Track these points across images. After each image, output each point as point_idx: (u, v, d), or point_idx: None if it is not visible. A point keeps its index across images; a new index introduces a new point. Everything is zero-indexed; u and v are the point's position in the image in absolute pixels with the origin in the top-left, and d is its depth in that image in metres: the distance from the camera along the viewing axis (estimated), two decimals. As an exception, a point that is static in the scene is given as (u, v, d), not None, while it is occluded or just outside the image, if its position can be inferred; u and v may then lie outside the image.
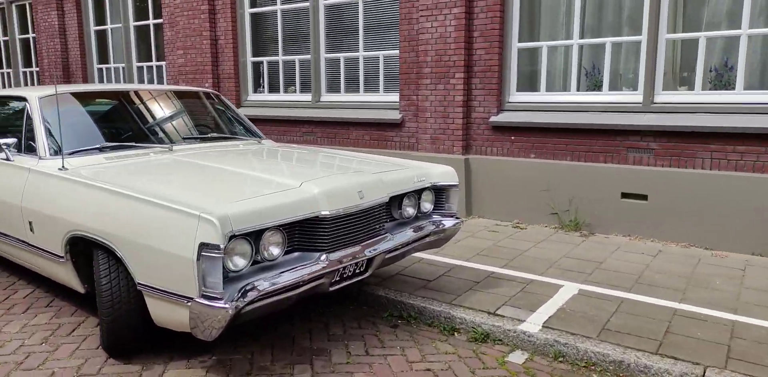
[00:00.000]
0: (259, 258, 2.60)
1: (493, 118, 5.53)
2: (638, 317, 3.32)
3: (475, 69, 5.59)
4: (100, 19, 9.57)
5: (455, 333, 3.35)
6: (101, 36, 9.63)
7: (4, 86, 11.93)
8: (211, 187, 2.82)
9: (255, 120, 7.46)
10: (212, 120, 4.40)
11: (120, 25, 9.15)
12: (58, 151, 3.35)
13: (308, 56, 7.02)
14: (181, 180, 2.98)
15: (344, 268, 2.95)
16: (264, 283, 2.49)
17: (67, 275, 3.17)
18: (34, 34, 10.58)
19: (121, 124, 3.86)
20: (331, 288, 2.94)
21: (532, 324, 3.24)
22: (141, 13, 8.91)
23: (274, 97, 7.52)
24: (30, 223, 3.26)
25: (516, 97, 5.54)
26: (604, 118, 4.96)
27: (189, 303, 2.38)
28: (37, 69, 10.70)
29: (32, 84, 11.09)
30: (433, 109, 5.88)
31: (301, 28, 7.12)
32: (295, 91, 7.34)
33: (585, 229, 5.19)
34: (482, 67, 5.54)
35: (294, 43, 7.25)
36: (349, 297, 3.84)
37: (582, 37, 5.21)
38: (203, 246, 2.31)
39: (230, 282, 2.46)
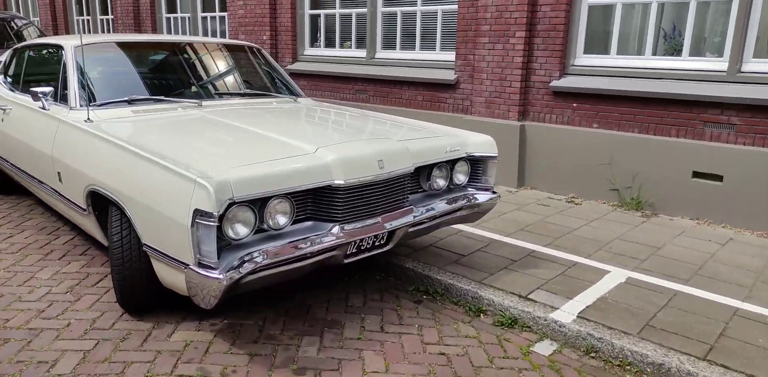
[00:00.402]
0: (265, 226, 2.45)
1: (554, 83, 5.06)
2: (690, 314, 2.96)
3: (538, 28, 5.08)
4: (167, -32, 9.53)
5: (481, 315, 3.13)
6: (168, -15, 9.61)
7: (85, 33, 12.30)
8: (222, 149, 2.67)
9: (309, 75, 7.29)
10: (250, 75, 4.23)
11: (185, -26, 9.08)
12: (88, 102, 3.30)
13: (365, 9, 6.68)
14: (195, 139, 2.84)
15: (361, 240, 2.76)
16: (264, 254, 2.34)
17: (91, 227, 3.17)
18: (107, -17, 10.71)
19: (156, 77, 3.75)
20: (346, 261, 2.78)
21: (567, 312, 2.96)
22: (205, -39, 8.77)
23: (329, 52, 7.27)
24: (59, 174, 3.26)
25: (582, 59, 5.02)
26: (682, 87, 4.40)
27: (185, 270, 2.28)
28: (112, 17, 10.91)
29: (107, 31, 11.36)
30: (490, 70, 5.45)
31: (360, -21, 6.75)
32: (350, 47, 7.06)
33: (647, 209, 4.74)
34: (546, 26, 5.03)
35: (352, -5, 6.91)
36: (376, 267, 3.68)
37: (666, -8, 4.59)
38: (197, 212, 2.18)
39: (232, 250, 2.34)
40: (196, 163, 2.38)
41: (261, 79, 4.25)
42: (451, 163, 3.25)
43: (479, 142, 3.31)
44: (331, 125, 3.30)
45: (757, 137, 4.17)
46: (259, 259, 2.30)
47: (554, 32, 4.99)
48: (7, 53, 4.62)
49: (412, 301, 3.29)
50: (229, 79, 4.03)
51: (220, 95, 3.74)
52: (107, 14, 11.17)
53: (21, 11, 13.74)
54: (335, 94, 7.10)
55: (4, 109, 4.10)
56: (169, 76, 3.82)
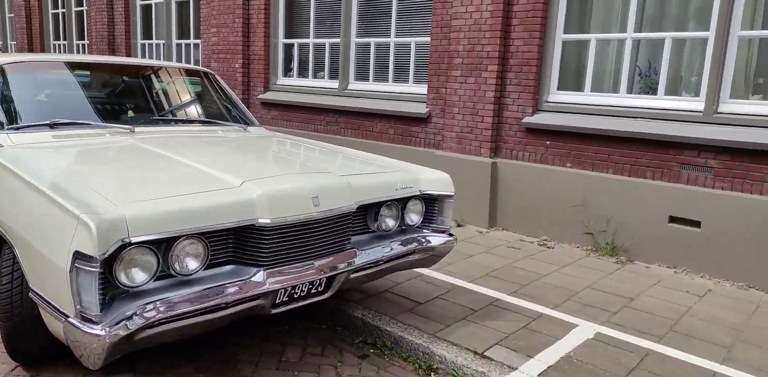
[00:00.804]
0: (172, 271, 2.12)
1: (527, 119, 4.85)
2: (662, 379, 2.64)
3: (511, 62, 4.91)
4: (146, -6, 9.41)
5: (431, 374, 2.78)
6: (146, 11, 9.47)
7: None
8: (134, 181, 2.34)
9: (281, 105, 7.06)
10: (199, 102, 3.96)
11: (162, 0, 8.94)
12: (2, 125, 2.99)
13: (338, 39, 6.51)
14: (108, 169, 2.53)
15: (293, 287, 2.44)
16: (163, 306, 2.00)
17: None
18: (86, 7, 10.57)
19: (89, 100, 3.45)
20: (274, 311, 2.44)
21: (525, 374, 2.63)
22: (183, -11, 8.66)
23: (302, 82, 7.07)
24: None
25: (556, 96, 4.83)
26: (657, 127, 4.20)
27: (63, 322, 1.94)
28: (87, 42, 10.72)
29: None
30: (462, 104, 5.25)
31: (334, 8, 6.61)
32: (323, 77, 6.87)
33: (623, 255, 4.46)
34: (519, 60, 4.85)
35: (326, 25, 6.76)
36: (322, 314, 3.34)
37: (639, 30, 4.44)
38: (77, 255, 1.86)
39: (127, 299, 2.00)
40: (92, 196, 2.07)
41: (210, 105, 3.98)
42: (403, 202, 2.96)
43: (434, 179, 3.04)
44: (271, 156, 3.01)
45: (735, 181, 3.95)
46: (151, 314, 1.96)
47: (527, 67, 4.81)
48: None
49: (357, 356, 2.93)
50: (174, 105, 3.76)
51: (160, 122, 3.45)
52: (83, 39, 11.00)
53: None
54: (307, 125, 6.86)
55: None
56: (105, 99, 3.52)
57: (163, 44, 9.07)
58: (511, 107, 4.98)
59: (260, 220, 2.27)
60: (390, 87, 6.13)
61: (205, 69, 4.21)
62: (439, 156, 5.42)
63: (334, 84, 6.63)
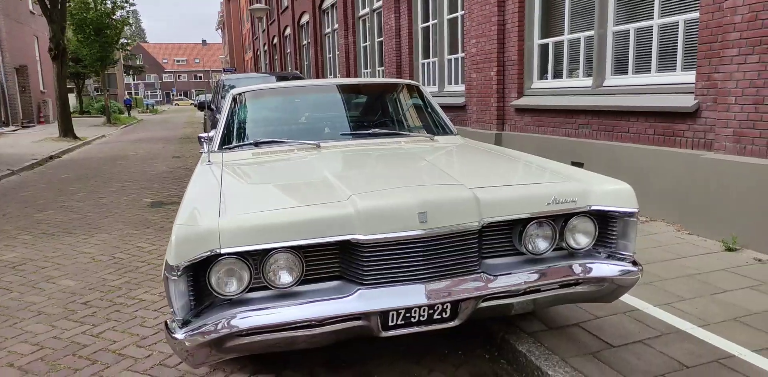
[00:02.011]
0: (267, 283, 2.12)
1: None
2: None
3: (805, 24, 3.52)
4: (425, 17, 10.04)
5: (590, 443, 2.13)
6: (425, 33, 10.11)
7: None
8: (261, 193, 2.47)
9: (534, 111, 6.63)
10: (394, 114, 3.94)
11: (436, 20, 9.41)
12: (221, 145, 3.48)
13: (593, 32, 5.75)
14: (254, 182, 2.71)
15: (406, 311, 2.17)
16: (242, 320, 1.99)
17: None
18: (383, 38, 11.90)
19: (294, 120, 3.79)
20: (385, 333, 2.20)
21: None
22: (452, 6, 8.94)
23: (556, 83, 6.48)
24: None
25: None
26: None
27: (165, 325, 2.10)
28: (382, 68, 12.04)
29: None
30: (740, 91, 4.00)
31: (589, -2, 5.87)
32: (578, 76, 6.16)
33: None
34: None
35: (581, 17, 6.05)
36: (490, 343, 2.91)
37: None
38: (166, 263, 1.98)
39: (222, 308, 2.06)
40: (209, 208, 2.20)
41: (405, 117, 3.92)
42: (564, 219, 2.36)
43: (608, 191, 2.34)
44: (421, 168, 2.74)
45: None
46: (231, 324, 1.97)
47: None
48: None
49: (504, 399, 2.45)
50: (366, 120, 3.80)
51: (351, 136, 3.53)
52: (382, 66, 12.37)
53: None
54: (557, 129, 6.25)
55: None
56: (302, 118, 3.82)
57: (435, 61, 9.52)
58: (809, 88, 3.57)
59: (356, 236, 2.09)
60: (651, 78, 5.10)
61: (411, 81, 4.19)
62: (709, 159, 4.25)
63: (587, 82, 5.86)
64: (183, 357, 2.05)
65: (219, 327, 1.98)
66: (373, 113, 3.95)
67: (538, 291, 2.30)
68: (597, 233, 2.36)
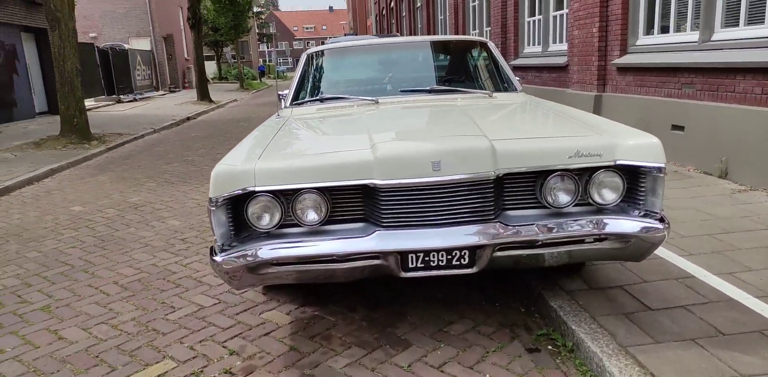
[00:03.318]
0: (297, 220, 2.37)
1: None
2: None
3: None
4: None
5: (597, 393, 2.19)
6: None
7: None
8: (298, 142, 2.75)
9: (635, 69, 6.24)
10: (457, 71, 3.96)
11: (544, -26, 8.95)
12: (292, 101, 3.78)
13: (704, -21, 5.22)
14: (301, 134, 2.96)
15: (425, 254, 2.34)
16: (270, 250, 2.26)
17: None
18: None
19: (357, 77, 3.96)
20: (404, 274, 2.36)
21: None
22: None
23: (661, 39, 5.99)
24: None
25: None
26: None
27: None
28: (489, 29, 11.70)
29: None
30: None
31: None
32: (686, 29, 5.65)
33: None
34: None
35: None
36: (528, 294, 2.99)
37: None
38: (209, 197, 2.31)
39: (259, 239, 2.35)
40: (249, 153, 2.49)
41: (468, 74, 3.93)
42: (589, 174, 2.35)
43: (634, 146, 2.26)
44: (459, 121, 2.80)
45: None
46: (261, 254, 2.27)
47: None
48: None
49: (526, 348, 2.54)
50: (429, 76, 3.87)
51: (410, 92, 3.65)
52: (489, 26, 12.03)
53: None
54: (660, 89, 5.83)
55: None
56: (373, 75, 3.97)
57: (541, 19, 9.10)
58: None
59: (373, 181, 2.27)
60: (764, 30, 4.59)
61: (482, 39, 4.17)
62: (816, 120, 3.82)
63: (694, 36, 5.37)
64: (225, 279, 2.37)
65: (250, 254, 2.25)
66: (437, 70, 4.00)
67: (559, 244, 2.34)
68: (625, 189, 2.33)
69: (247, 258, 2.27)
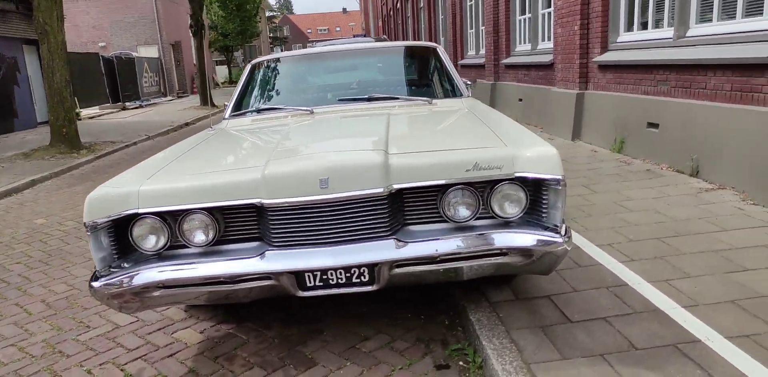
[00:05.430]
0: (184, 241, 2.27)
1: None
2: None
3: None
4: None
5: (493, 416, 2.05)
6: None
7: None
8: (202, 159, 2.65)
9: (614, 67, 6.05)
10: (400, 78, 3.85)
11: (530, -28, 8.75)
12: (231, 112, 3.68)
13: (676, -27, 5.01)
14: (210, 149, 2.87)
15: (323, 273, 2.22)
16: (158, 272, 2.16)
17: None
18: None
19: (296, 86, 3.87)
20: (302, 293, 2.26)
21: None
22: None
23: (640, 35, 5.78)
24: None
25: None
26: None
27: None
28: (484, 28, 11.51)
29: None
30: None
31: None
32: (663, 26, 5.44)
33: None
34: None
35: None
36: (452, 311, 2.85)
37: None
38: (84, 222, 2.22)
39: (150, 262, 2.25)
40: (141, 172, 2.44)
41: (411, 81, 3.82)
42: (490, 187, 2.21)
43: (532, 158, 2.13)
44: (371, 133, 2.67)
45: None
46: (136, 278, 2.16)
47: None
48: None
49: (435, 364, 2.40)
50: (370, 84, 3.74)
51: (348, 101, 3.53)
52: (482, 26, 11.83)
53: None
54: (636, 87, 5.62)
55: None
56: (314, 84, 3.87)
57: (530, 17, 8.91)
58: None
59: (261, 200, 2.17)
60: (736, 26, 4.38)
61: (432, 44, 4.05)
62: (780, 118, 3.61)
63: (669, 33, 5.17)
64: (107, 304, 2.27)
65: (127, 280, 2.16)
66: (381, 77, 3.89)
67: (460, 259, 2.20)
68: (528, 201, 2.19)
69: (123, 284, 2.17)
